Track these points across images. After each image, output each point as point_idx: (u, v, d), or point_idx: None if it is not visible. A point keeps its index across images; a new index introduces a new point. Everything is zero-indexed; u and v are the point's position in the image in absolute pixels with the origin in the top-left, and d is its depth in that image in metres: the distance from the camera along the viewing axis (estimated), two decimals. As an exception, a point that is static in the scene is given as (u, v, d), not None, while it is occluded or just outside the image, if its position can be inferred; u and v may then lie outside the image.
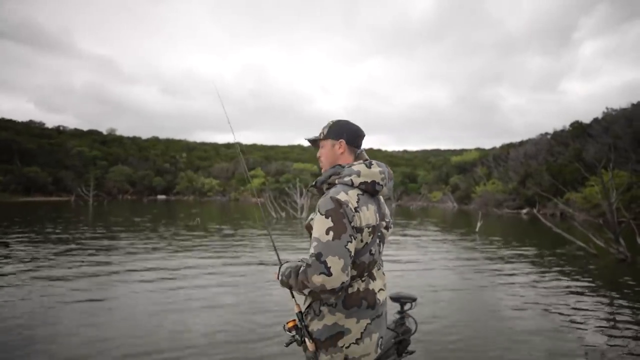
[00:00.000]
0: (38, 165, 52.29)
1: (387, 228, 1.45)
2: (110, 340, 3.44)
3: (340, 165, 1.43)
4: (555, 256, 9.00)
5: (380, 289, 1.40)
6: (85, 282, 5.63)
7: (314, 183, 1.47)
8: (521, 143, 47.35)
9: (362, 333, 1.31)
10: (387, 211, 1.49)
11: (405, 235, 13.23)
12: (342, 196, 1.28)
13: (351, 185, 1.34)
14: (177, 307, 4.46)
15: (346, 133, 1.46)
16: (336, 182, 1.36)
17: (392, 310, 1.69)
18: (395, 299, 1.72)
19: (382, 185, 1.39)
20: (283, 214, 20.90)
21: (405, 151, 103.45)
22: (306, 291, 1.31)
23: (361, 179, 1.35)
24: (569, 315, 4.43)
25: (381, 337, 1.39)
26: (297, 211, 21.73)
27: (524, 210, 31.21)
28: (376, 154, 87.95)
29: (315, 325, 1.33)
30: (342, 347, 1.30)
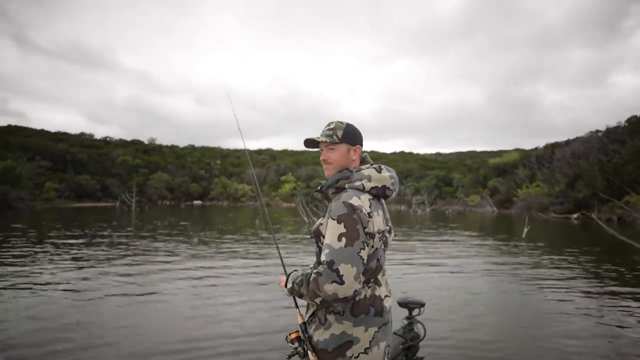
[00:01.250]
0: (88, 174, 56.66)
1: (389, 232, 1.42)
2: (155, 329, 4.02)
3: (347, 169, 1.39)
4: (615, 265, 8.06)
5: (386, 295, 1.37)
6: (138, 278, 6.39)
7: (319, 187, 1.42)
8: (567, 142, 43.98)
9: (370, 342, 1.26)
10: (388, 215, 1.45)
11: (444, 240, 12.58)
12: (355, 201, 1.24)
13: (362, 189, 1.30)
14: (215, 302, 4.95)
15: (361, 139, 1.44)
16: (346, 186, 1.32)
17: (400, 316, 1.63)
18: (403, 304, 1.66)
19: (392, 190, 1.37)
20: (315, 219, 20.73)
21: (438, 154, 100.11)
22: (318, 300, 1.23)
23: (372, 184, 1.32)
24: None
25: (388, 346, 1.34)
26: None
27: (574, 215, 28.80)
28: (408, 157, 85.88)
29: (321, 335, 1.27)
30: (350, 357, 1.25)
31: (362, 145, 1.45)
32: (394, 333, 1.49)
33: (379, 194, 1.34)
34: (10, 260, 7.78)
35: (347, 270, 1.16)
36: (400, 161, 79.25)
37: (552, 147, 45.89)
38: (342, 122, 1.43)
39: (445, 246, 11.45)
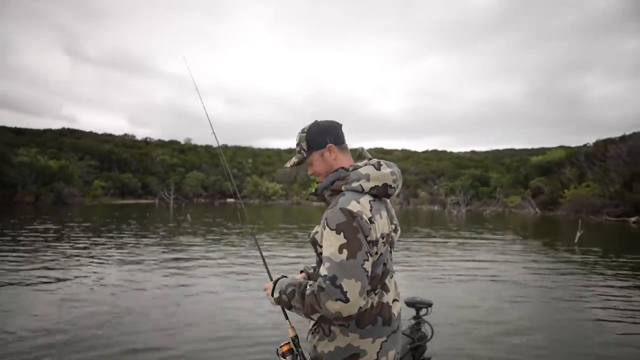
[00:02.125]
0: (130, 172, 60.31)
1: (395, 231, 1.32)
2: (202, 317, 4.43)
3: (343, 168, 1.26)
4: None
5: (395, 300, 1.28)
6: (184, 271, 6.95)
7: (314, 191, 1.31)
8: (623, 138, 40.01)
9: (378, 353, 1.19)
10: (393, 212, 1.33)
11: (482, 242, 11.80)
12: (353, 206, 1.12)
13: (361, 191, 1.18)
14: (246, 296, 5.29)
15: (329, 134, 1.29)
16: (342, 188, 1.20)
17: (407, 316, 1.61)
18: (410, 304, 1.64)
19: (394, 187, 1.25)
20: None
21: (473, 152, 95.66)
22: (316, 316, 1.11)
23: (371, 183, 1.20)
24: None
25: (397, 353, 1.27)
26: None
27: (633, 219, 26.14)
28: (441, 156, 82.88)
29: (325, 347, 1.20)
30: None
31: (338, 138, 1.29)
32: (402, 333, 1.47)
33: (379, 193, 1.21)
34: (70, 252, 8.29)
35: (351, 287, 1.05)
36: (433, 159, 76.76)
37: (605, 144, 41.93)
38: (303, 131, 1.31)
39: (483, 248, 10.71)
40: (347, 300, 1.04)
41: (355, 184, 1.19)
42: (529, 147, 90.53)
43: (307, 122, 1.34)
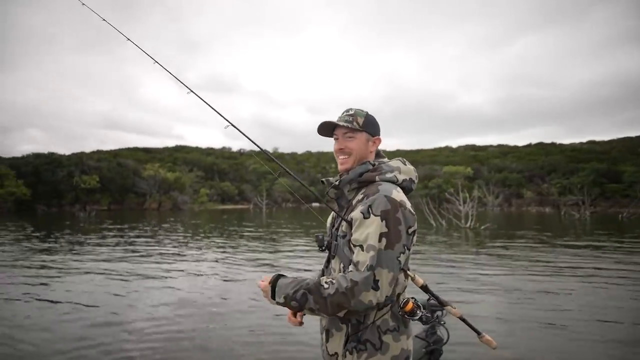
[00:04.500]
0: (229, 181, 67.60)
1: None
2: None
3: (369, 161, 1.25)
4: None
5: None
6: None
7: (337, 181, 1.25)
8: None
9: (410, 351, 1.19)
10: None
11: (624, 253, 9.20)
12: (396, 195, 1.12)
13: (395, 182, 1.19)
14: None
15: (379, 129, 1.31)
16: (377, 178, 1.18)
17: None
18: (425, 306, 1.46)
19: (415, 184, 1.26)
20: (443, 222, 18.54)
21: (591, 142, 79.28)
22: (341, 313, 1.06)
23: (403, 176, 1.21)
24: None
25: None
26: (461, 219, 18.64)
27: None
28: (549, 149, 71.12)
29: None
30: None
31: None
32: (416, 336, 1.45)
33: (407, 187, 1.21)
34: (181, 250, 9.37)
35: (384, 276, 1.04)
36: (539, 154, 66.38)
37: None
38: (362, 110, 1.28)
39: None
40: (377, 289, 1.03)
41: (389, 175, 1.18)
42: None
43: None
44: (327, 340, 1.19)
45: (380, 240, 1.04)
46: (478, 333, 1.27)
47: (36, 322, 4.08)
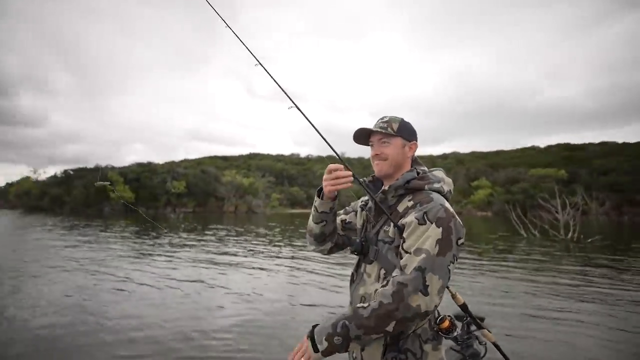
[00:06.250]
0: (297, 185, 69.90)
1: None
2: None
3: (415, 169, 1.25)
4: None
5: None
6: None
7: (385, 187, 1.23)
8: None
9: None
10: None
11: None
12: (449, 206, 1.13)
13: (442, 192, 1.20)
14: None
15: (416, 135, 1.31)
16: (425, 187, 1.19)
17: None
18: (459, 317, 1.50)
19: (452, 195, 1.26)
20: (536, 233, 16.06)
21: None
22: (391, 326, 1.01)
23: (447, 187, 1.23)
24: None
25: None
26: (560, 230, 15.71)
27: None
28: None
29: None
30: None
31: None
32: (451, 349, 1.39)
33: (448, 198, 1.21)
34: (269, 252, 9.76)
35: (434, 282, 1.03)
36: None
37: None
38: (397, 116, 1.30)
39: None
40: (426, 294, 1.01)
41: (437, 185, 1.19)
42: None
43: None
44: (362, 349, 1.15)
45: (435, 246, 1.05)
46: None
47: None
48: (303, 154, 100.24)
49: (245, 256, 9.67)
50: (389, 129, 1.24)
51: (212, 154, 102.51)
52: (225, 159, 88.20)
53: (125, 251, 10.00)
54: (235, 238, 14.65)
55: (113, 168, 55.62)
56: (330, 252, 1.45)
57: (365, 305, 1.05)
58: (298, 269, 7.92)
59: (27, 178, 56.72)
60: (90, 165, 59.69)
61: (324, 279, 6.86)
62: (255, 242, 13.10)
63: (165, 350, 3.43)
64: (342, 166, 1.18)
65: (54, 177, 54.74)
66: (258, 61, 1.57)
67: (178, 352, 3.40)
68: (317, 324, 1.11)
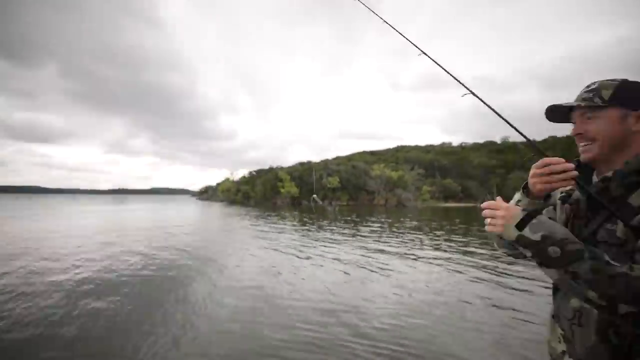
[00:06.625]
0: (451, 177, 64.08)
1: None
2: None
3: None
4: None
5: None
6: None
7: (608, 174, 0.94)
8: None
9: None
10: None
11: None
12: None
13: None
14: None
15: None
16: None
17: None
18: None
19: None
20: None
21: None
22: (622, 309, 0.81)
23: None
24: None
25: None
26: None
27: None
28: None
29: None
30: None
31: None
32: None
33: None
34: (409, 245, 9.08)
35: None
36: None
37: None
38: (615, 79, 0.96)
39: None
40: None
41: None
42: None
43: None
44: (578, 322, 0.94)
45: None
46: None
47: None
48: (456, 143, 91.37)
49: (408, 248, 9.19)
50: (597, 99, 0.94)
51: (361, 149, 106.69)
52: (373, 153, 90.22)
53: (309, 237, 11.22)
54: (392, 230, 14.42)
55: (282, 168, 65.82)
56: (525, 256, 1.09)
57: (619, 264, 0.82)
58: (459, 263, 7.55)
59: (227, 179, 74.49)
60: (266, 166, 73.18)
61: (493, 278, 6.15)
62: (410, 235, 12.44)
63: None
64: (560, 159, 0.91)
65: (243, 177, 70.40)
66: (422, 51, 1.37)
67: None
68: (537, 211, 0.90)
